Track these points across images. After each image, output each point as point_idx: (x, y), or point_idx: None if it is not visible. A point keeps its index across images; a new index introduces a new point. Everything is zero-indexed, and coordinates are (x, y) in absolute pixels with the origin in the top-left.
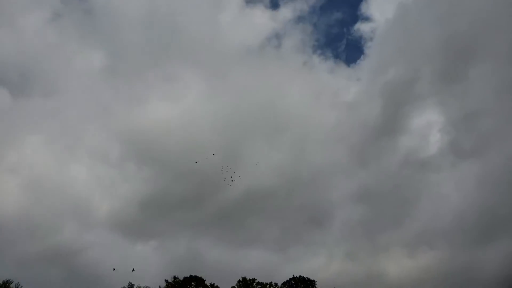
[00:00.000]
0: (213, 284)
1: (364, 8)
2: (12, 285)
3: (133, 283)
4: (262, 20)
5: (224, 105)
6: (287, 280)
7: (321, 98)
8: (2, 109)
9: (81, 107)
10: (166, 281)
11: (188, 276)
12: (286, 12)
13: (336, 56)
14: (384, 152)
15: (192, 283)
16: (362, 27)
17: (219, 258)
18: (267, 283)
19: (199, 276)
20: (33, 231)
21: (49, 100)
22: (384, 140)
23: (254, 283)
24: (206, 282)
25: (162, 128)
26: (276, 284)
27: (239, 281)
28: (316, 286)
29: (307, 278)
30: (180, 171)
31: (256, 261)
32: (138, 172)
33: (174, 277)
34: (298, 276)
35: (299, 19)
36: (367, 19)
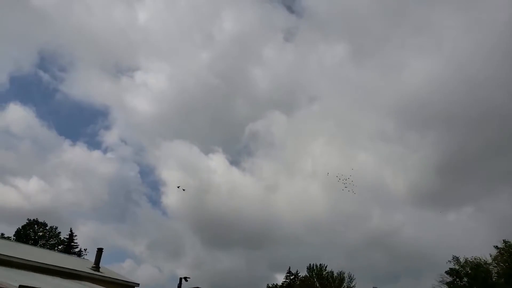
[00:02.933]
0: None
1: None
2: (345, 275)
3: (457, 255)
4: None
5: (495, 30)
6: None
7: None
8: (282, 129)
9: (342, 99)
10: (496, 247)
11: None
12: None
13: None
14: None
15: None
16: None
17: None
18: None
19: None
20: (346, 224)
21: (314, 105)
22: None
23: None
24: None
25: (428, 86)
26: None
27: None
28: None
29: None
30: (468, 121)
31: None
32: (422, 138)
33: (504, 241)
34: None
35: None
36: None
